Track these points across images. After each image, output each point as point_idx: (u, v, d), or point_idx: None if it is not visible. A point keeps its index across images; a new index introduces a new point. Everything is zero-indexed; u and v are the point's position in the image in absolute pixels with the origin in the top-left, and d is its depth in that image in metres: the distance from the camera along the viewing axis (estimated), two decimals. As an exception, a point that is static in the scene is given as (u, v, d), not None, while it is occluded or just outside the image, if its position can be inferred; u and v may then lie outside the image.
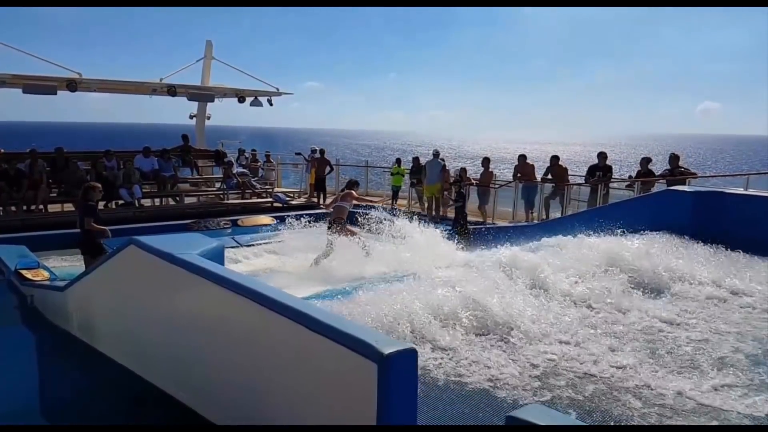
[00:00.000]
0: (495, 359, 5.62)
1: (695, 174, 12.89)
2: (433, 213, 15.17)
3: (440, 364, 5.53)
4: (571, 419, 3.01)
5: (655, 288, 7.79)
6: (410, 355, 3.18)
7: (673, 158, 12.51)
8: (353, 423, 3.29)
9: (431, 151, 15.99)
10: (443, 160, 15.73)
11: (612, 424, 4.51)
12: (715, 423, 4.52)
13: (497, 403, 4.82)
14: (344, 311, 6.15)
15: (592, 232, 9.08)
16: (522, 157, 14.64)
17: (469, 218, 13.35)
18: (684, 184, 11.58)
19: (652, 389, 5.04)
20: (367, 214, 10.46)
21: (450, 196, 14.69)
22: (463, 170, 14.85)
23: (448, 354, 5.71)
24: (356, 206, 10.87)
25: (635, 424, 4.51)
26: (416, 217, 10.90)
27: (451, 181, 14.86)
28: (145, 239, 5.32)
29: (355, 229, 10.29)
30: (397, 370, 3.10)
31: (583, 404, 4.81)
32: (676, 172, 12.16)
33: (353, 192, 10.52)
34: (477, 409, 4.79)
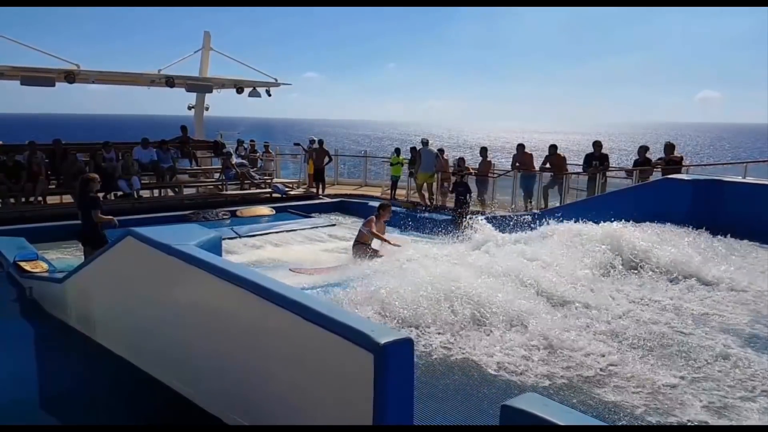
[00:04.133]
0: (493, 350, 5.62)
1: (681, 156, 12.90)
2: (428, 202, 15.08)
3: (438, 353, 5.54)
4: (567, 408, 3.02)
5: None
6: (406, 344, 3.19)
7: (668, 147, 12.55)
8: (350, 413, 3.30)
9: (419, 140, 15.86)
10: (442, 151, 15.69)
11: (609, 417, 4.52)
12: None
13: (493, 393, 4.83)
14: (344, 302, 6.17)
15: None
16: (520, 147, 14.62)
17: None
18: (680, 172, 11.63)
19: (654, 386, 4.98)
20: None
21: (448, 188, 14.66)
22: (461, 160, 14.81)
23: (446, 343, 5.72)
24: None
25: (633, 419, 4.49)
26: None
27: (451, 171, 14.82)
28: (142, 230, 5.33)
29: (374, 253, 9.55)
30: (394, 360, 3.11)
31: (582, 398, 4.81)
32: (671, 159, 12.23)
33: (373, 218, 9.82)
34: (473, 398, 4.81)
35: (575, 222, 9.25)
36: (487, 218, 10.26)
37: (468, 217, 10.26)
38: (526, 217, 10.53)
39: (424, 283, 6.46)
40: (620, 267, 8.13)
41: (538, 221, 9.89)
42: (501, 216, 11.41)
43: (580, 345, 5.69)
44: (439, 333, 5.85)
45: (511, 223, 10.39)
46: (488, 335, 5.86)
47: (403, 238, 10.48)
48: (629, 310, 6.74)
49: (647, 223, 9.26)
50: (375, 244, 9.67)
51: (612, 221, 8.99)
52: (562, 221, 9.46)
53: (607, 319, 6.43)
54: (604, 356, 5.49)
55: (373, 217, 9.88)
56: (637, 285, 7.67)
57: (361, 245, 9.60)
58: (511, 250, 8.35)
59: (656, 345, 5.81)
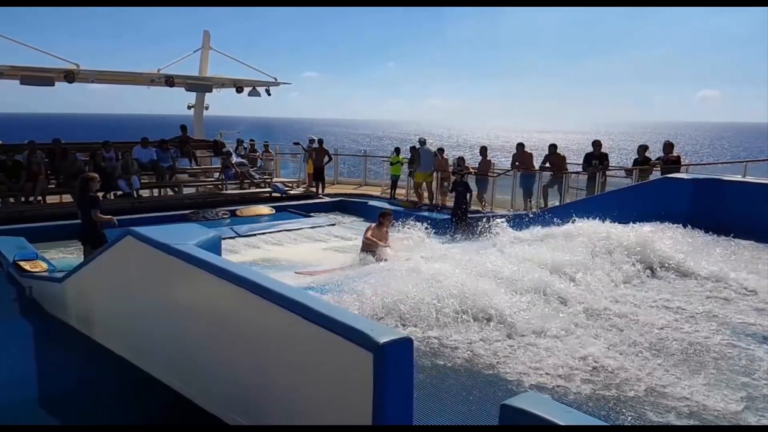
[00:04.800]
0: (492, 349, 5.62)
1: (679, 156, 12.90)
2: (426, 201, 15.04)
3: (438, 353, 5.54)
4: (567, 408, 3.01)
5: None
6: (406, 344, 3.18)
7: (667, 146, 12.58)
8: (349, 412, 3.30)
9: (417, 139, 15.82)
10: (441, 150, 15.69)
11: (608, 415, 4.50)
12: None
13: (493, 393, 4.82)
14: (342, 301, 6.15)
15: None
16: (520, 146, 14.61)
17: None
18: (679, 171, 11.65)
19: (657, 388, 4.90)
20: None
21: (448, 187, 14.65)
22: (461, 159, 14.81)
23: (445, 343, 5.71)
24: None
25: (633, 420, 4.47)
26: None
27: (451, 170, 14.82)
28: (141, 230, 5.32)
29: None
30: (393, 360, 3.10)
31: (582, 398, 4.79)
32: (668, 159, 12.26)
33: (372, 225, 9.95)
34: (473, 398, 4.80)
35: (602, 222, 9.05)
36: (505, 219, 10.17)
37: (483, 217, 10.22)
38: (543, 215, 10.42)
39: (446, 297, 6.29)
40: (648, 277, 7.97)
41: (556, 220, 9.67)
42: (517, 214, 11.31)
43: (622, 363, 5.37)
44: (468, 349, 5.68)
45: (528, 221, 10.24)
46: (523, 353, 5.62)
47: (414, 238, 10.41)
48: (669, 323, 6.43)
49: (668, 223, 9.11)
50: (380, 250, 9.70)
51: (607, 221, 8.98)
52: (588, 219, 9.19)
53: (648, 332, 6.14)
54: (650, 374, 5.16)
55: (373, 224, 9.92)
56: (670, 294, 7.41)
57: (365, 251, 9.65)
58: (534, 255, 8.05)
59: (707, 360, 5.51)
